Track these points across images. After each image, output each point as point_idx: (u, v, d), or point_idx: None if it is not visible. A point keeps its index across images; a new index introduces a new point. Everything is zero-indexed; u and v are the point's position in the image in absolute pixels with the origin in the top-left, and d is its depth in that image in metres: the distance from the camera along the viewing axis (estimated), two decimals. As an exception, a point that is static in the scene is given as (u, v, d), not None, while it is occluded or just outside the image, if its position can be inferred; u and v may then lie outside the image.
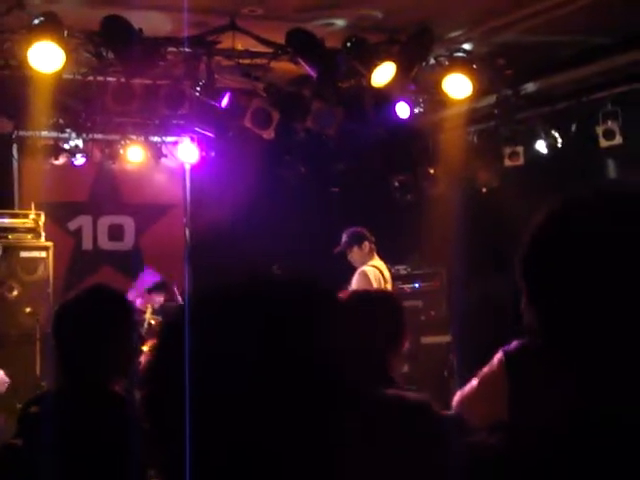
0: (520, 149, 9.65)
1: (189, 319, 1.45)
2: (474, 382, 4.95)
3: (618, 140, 8.74)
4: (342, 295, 4.62)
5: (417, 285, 10.11)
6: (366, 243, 8.94)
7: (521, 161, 9.66)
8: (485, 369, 5.10)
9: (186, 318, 1.45)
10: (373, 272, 8.76)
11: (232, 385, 1.41)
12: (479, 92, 8.79)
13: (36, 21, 7.23)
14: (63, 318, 3.67)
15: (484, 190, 9.73)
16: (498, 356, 5.11)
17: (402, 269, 10.13)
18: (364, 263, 8.87)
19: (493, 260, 8.57)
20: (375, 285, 8.45)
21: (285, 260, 9.14)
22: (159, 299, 9.12)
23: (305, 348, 1.44)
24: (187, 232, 11.12)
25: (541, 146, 9.52)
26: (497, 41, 8.52)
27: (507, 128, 9.51)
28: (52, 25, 7.27)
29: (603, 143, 8.85)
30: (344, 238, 9.04)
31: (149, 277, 9.41)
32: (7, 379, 7.05)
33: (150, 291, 9.10)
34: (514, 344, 5.12)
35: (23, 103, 8.19)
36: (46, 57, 7.33)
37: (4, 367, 7.11)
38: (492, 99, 9.29)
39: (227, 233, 10.07)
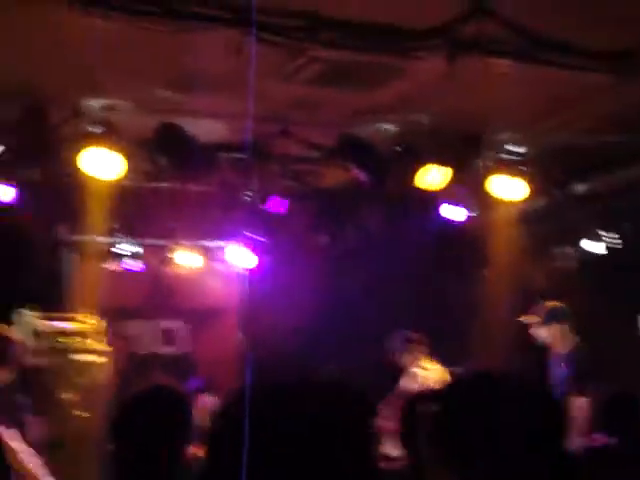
0: (571, 250, 9.61)
1: (245, 412, 1.54)
2: None
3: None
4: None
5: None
6: (415, 345, 8.95)
7: (573, 262, 9.62)
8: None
9: (245, 411, 1.53)
10: (422, 374, 8.74)
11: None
12: (529, 193, 8.81)
13: (93, 129, 7.43)
14: (124, 419, 3.68)
15: (536, 291, 9.65)
16: None
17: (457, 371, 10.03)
18: (413, 364, 8.87)
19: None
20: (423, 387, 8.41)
21: (338, 362, 9.16)
22: (206, 400, 9.11)
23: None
24: (241, 336, 11.14)
25: (592, 246, 9.48)
26: (546, 142, 8.55)
27: (558, 229, 9.49)
28: (108, 133, 7.46)
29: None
30: (394, 341, 9.08)
31: (192, 382, 9.47)
32: None
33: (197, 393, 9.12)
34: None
35: (80, 209, 8.37)
36: (102, 164, 7.51)
37: (61, 473, 7.07)
38: (542, 200, 9.30)
39: (282, 336, 10.09)
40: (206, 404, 9.13)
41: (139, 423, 3.61)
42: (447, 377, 8.82)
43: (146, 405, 3.70)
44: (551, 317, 8.52)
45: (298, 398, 1.63)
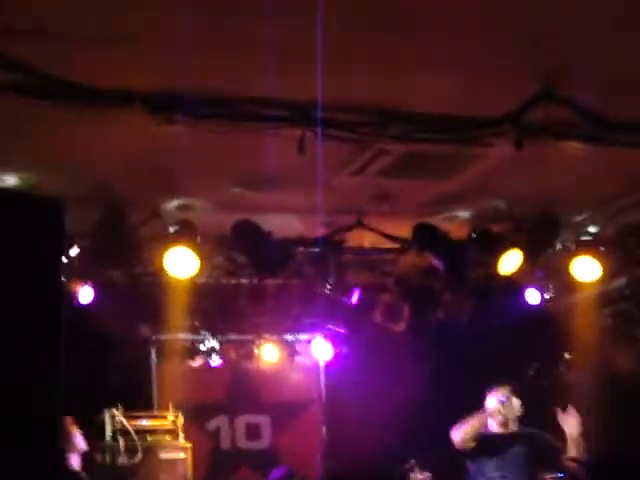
0: (657, 329, 9.43)
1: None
2: None
3: None
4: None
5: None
6: None
7: (659, 341, 9.43)
8: None
9: None
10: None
11: None
12: (609, 273, 8.71)
13: (171, 229, 7.59)
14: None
15: (622, 373, 9.47)
16: None
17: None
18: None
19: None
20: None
21: (422, 454, 9.04)
22: None
23: None
24: (324, 429, 11.09)
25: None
26: (624, 221, 8.50)
27: (641, 308, 9.34)
28: (186, 232, 7.61)
29: None
30: None
31: (276, 471, 9.44)
32: None
33: None
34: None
35: (160, 307, 8.50)
36: (181, 263, 7.65)
37: None
38: (623, 280, 9.17)
39: (364, 428, 10.02)
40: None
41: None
42: None
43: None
44: None
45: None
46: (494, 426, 8.15)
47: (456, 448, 8.08)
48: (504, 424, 8.13)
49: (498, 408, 8.11)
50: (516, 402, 8.20)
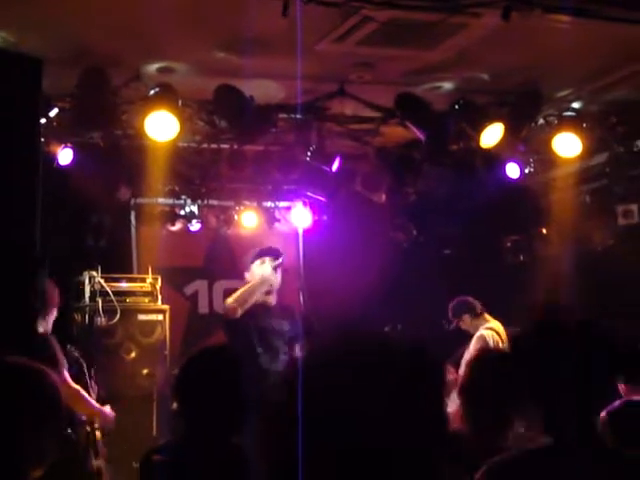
0: (634, 207, 9.49)
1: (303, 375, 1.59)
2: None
3: None
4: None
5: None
6: (473, 309, 8.99)
7: (635, 219, 9.50)
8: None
9: (300, 375, 1.59)
10: (491, 334, 8.76)
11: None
12: (590, 150, 8.73)
13: (152, 92, 7.51)
14: (188, 373, 3.80)
15: (598, 249, 9.58)
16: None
17: (514, 331, 10.00)
18: (478, 327, 8.90)
19: (607, 319, 8.41)
20: (492, 347, 8.41)
21: (398, 323, 9.19)
22: None
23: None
24: (301, 296, 11.20)
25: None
26: (607, 98, 8.47)
27: (620, 186, 9.38)
28: (167, 95, 7.53)
29: None
30: (450, 312, 9.12)
31: None
32: (112, 413, 7.16)
33: None
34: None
35: (140, 171, 8.46)
36: (161, 126, 7.58)
37: (121, 427, 7.28)
38: (604, 157, 9.20)
39: (340, 296, 10.13)
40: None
41: (199, 383, 3.71)
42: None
43: (205, 365, 3.80)
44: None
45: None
46: (261, 294, 7.95)
47: (229, 316, 7.83)
48: (270, 292, 8.02)
49: (270, 277, 7.99)
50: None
